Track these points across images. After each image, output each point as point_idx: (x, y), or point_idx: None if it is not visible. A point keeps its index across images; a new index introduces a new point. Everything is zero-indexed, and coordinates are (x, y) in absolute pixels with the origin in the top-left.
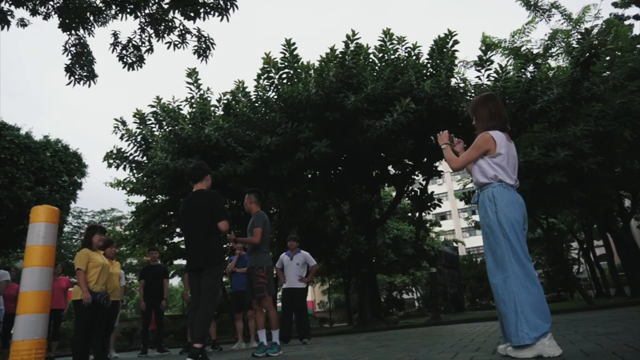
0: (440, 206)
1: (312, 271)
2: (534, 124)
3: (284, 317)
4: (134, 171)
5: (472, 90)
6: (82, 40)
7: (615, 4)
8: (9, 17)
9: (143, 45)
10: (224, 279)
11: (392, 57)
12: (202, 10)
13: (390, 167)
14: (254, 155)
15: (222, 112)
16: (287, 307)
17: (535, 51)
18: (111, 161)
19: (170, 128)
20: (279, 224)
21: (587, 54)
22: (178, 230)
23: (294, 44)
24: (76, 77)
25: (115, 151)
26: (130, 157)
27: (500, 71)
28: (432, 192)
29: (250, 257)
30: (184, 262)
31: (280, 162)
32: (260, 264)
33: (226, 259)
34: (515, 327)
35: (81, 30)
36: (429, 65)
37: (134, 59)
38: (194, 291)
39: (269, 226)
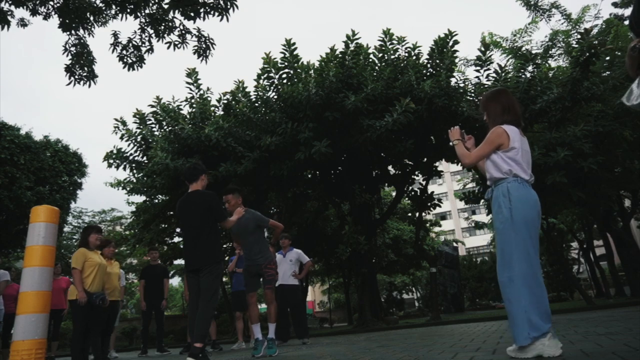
0: (440, 206)
1: (306, 267)
2: (534, 124)
3: (280, 315)
4: (134, 171)
5: (472, 90)
6: (82, 40)
7: (615, 4)
8: (9, 17)
9: (143, 45)
10: (224, 279)
11: (392, 57)
12: (202, 10)
13: (390, 167)
14: (254, 155)
15: (222, 112)
16: (281, 305)
17: (535, 51)
18: (111, 161)
19: (170, 128)
20: None
21: (587, 54)
22: (178, 230)
23: (294, 44)
24: (76, 77)
25: (115, 151)
26: (130, 157)
27: (499, 71)
28: (432, 192)
29: (257, 256)
30: (184, 262)
31: (280, 162)
32: (269, 259)
33: (226, 259)
34: (518, 326)
35: (81, 30)
36: (429, 65)
37: (134, 59)
38: (192, 291)
39: None
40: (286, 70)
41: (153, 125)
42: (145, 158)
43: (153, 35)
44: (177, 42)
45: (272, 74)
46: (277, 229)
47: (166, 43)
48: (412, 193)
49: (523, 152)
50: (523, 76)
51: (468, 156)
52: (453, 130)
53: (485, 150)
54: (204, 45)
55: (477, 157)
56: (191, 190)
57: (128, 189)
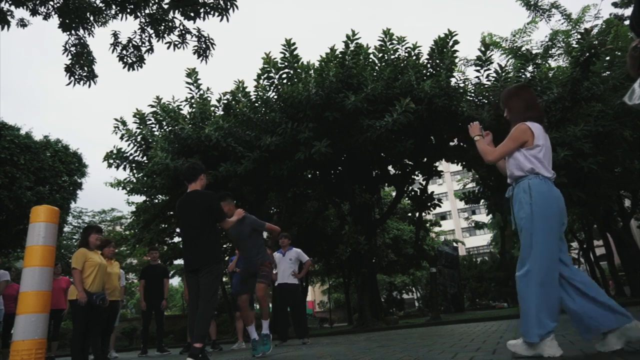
0: (440, 206)
1: (305, 266)
2: None
3: (279, 314)
4: (134, 171)
5: (472, 90)
6: (82, 40)
7: (615, 4)
8: (8, 17)
9: (143, 45)
10: (224, 279)
11: (392, 57)
12: (202, 10)
13: (390, 167)
14: (254, 155)
15: (222, 112)
16: (280, 304)
17: (535, 51)
18: (111, 161)
19: (170, 128)
20: (279, 224)
21: (587, 54)
22: (178, 230)
23: (294, 44)
24: (76, 77)
25: (115, 151)
26: (130, 157)
27: (500, 71)
28: (432, 192)
29: (255, 257)
30: (183, 262)
31: (280, 162)
32: (267, 259)
33: (226, 259)
34: (529, 323)
35: (81, 30)
36: (429, 65)
37: (134, 59)
38: (192, 292)
39: None
40: (286, 70)
41: (153, 125)
42: (145, 158)
43: (153, 35)
44: (177, 42)
45: (272, 74)
46: (274, 231)
47: (166, 43)
48: (412, 193)
49: (546, 150)
50: (523, 76)
51: (491, 153)
52: (473, 125)
53: (509, 146)
54: (204, 45)
55: (500, 153)
56: (190, 190)
57: (128, 189)
